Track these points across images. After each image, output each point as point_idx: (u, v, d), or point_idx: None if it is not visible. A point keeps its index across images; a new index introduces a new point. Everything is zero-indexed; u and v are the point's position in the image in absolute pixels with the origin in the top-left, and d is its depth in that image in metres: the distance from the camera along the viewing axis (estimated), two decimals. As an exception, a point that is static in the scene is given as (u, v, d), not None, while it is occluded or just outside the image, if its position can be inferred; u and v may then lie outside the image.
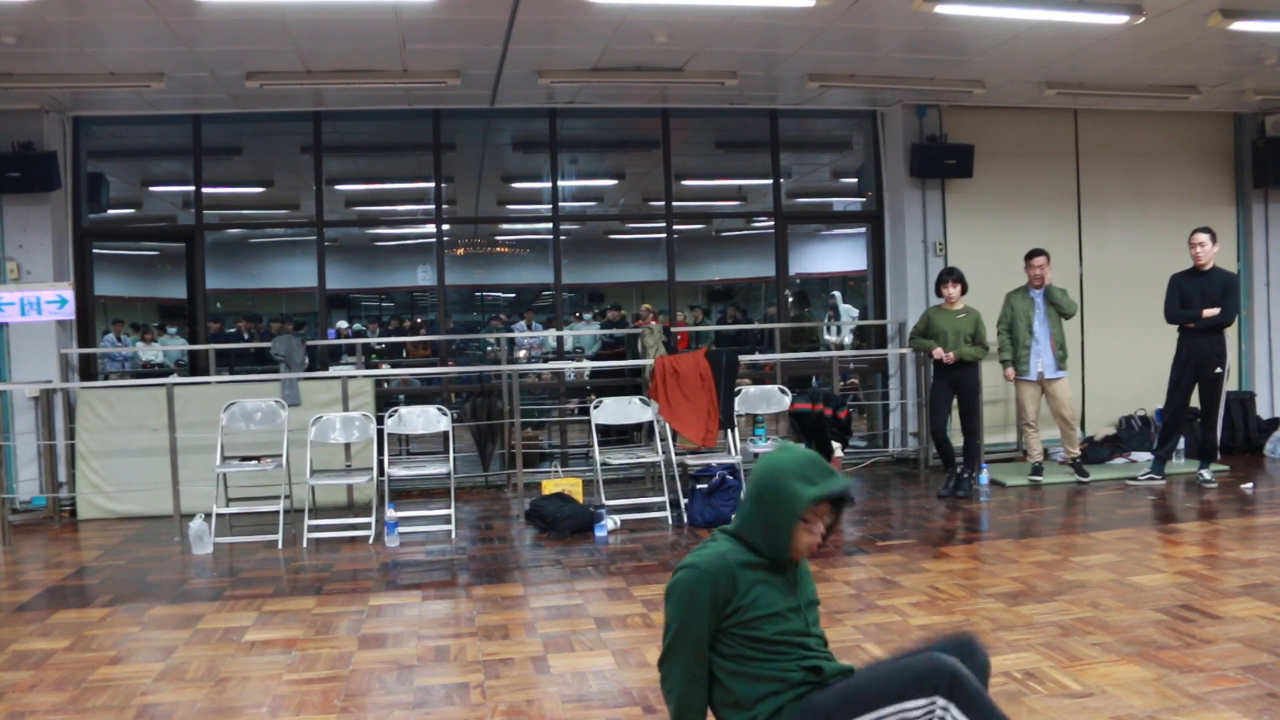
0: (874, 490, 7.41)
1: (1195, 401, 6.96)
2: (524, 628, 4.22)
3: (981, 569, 4.97)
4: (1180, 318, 6.84)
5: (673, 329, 8.67)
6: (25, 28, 5.79)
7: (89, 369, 7.95)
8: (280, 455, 6.24)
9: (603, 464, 6.50)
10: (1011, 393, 7.58)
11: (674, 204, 8.95)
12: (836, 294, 12.36)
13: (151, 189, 10.57)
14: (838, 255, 14.22)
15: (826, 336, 11.41)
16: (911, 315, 8.23)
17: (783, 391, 7.08)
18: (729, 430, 6.82)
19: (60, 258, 7.50)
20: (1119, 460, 7.93)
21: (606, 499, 6.41)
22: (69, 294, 7.20)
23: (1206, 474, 6.97)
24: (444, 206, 8.83)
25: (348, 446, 6.80)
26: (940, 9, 5.91)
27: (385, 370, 10.27)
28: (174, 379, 7.16)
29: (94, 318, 8.15)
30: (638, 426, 7.57)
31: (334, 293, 12.78)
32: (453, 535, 6.13)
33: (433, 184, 8.48)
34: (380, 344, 12.53)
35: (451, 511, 6.25)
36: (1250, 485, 6.86)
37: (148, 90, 6.92)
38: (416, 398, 9.28)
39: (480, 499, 7.47)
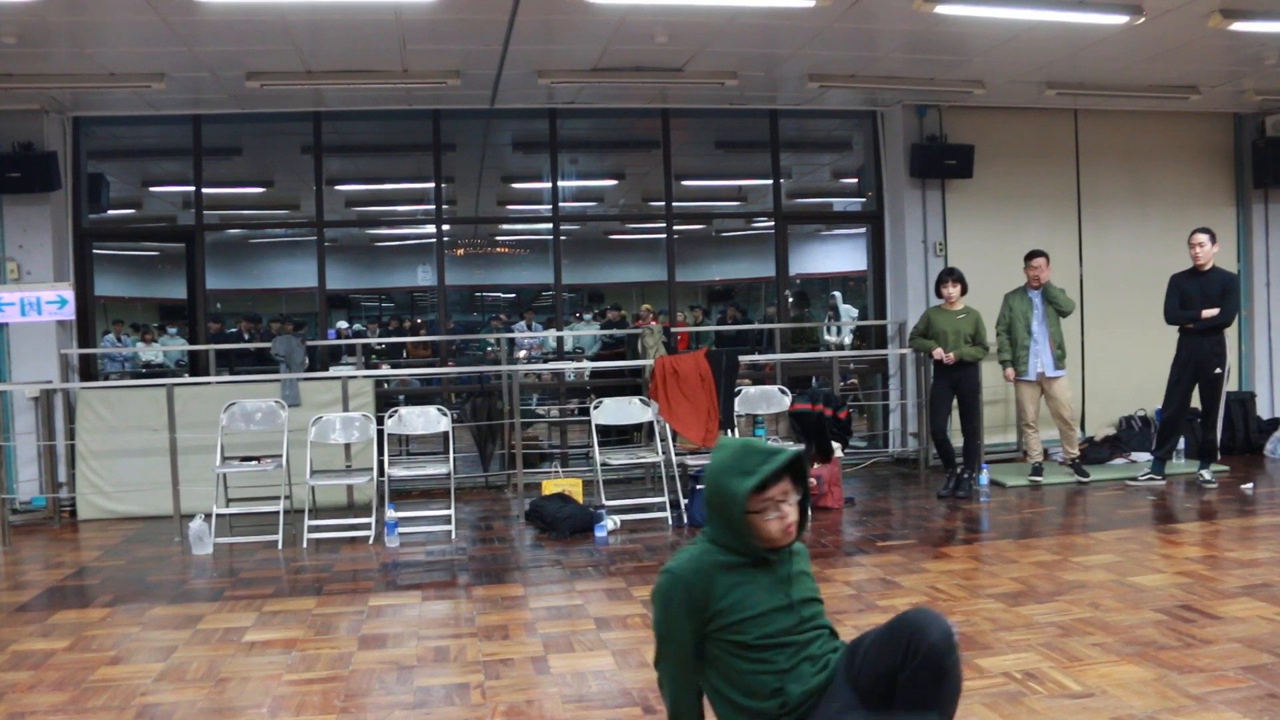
0: (874, 490, 7.41)
1: (1196, 402, 6.97)
2: (524, 628, 4.22)
3: (981, 569, 4.97)
4: (1180, 318, 6.84)
5: (673, 329, 8.67)
6: (25, 28, 5.79)
7: (89, 369, 7.95)
8: (280, 455, 6.24)
9: (603, 464, 6.50)
10: (1011, 393, 7.58)
11: (674, 204, 8.95)
12: (836, 294, 12.36)
13: (152, 189, 10.57)
14: (838, 255, 14.22)
15: (826, 337, 11.41)
16: (911, 315, 8.23)
17: (783, 392, 7.08)
18: (729, 430, 6.82)
19: (60, 258, 7.50)
20: (1119, 461, 7.93)
21: (606, 499, 6.41)
22: (69, 294, 7.21)
23: (1206, 474, 6.97)
24: (444, 207, 8.83)
25: (348, 447, 6.80)
26: (940, 9, 5.91)
27: (385, 371, 10.28)
28: (174, 379, 7.16)
29: (94, 318, 8.15)
30: (638, 427, 7.57)
31: (334, 293, 12.78)
32: (453, 536, 6.13)
33: (433, 184, 8.48)
34: (380, 344, 12.53)
35: (451, 512, 6.25)
36: (1250, 485, 6.86)
37: (148, 90, 6.92)
38: (416, 398, 9.28)
39: (480, 499, 7.47)
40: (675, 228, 9.08)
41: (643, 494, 6.99)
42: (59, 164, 7.31)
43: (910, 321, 8.09)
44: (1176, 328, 6.92)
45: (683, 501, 6.45)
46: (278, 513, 6.11)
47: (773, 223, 9.05)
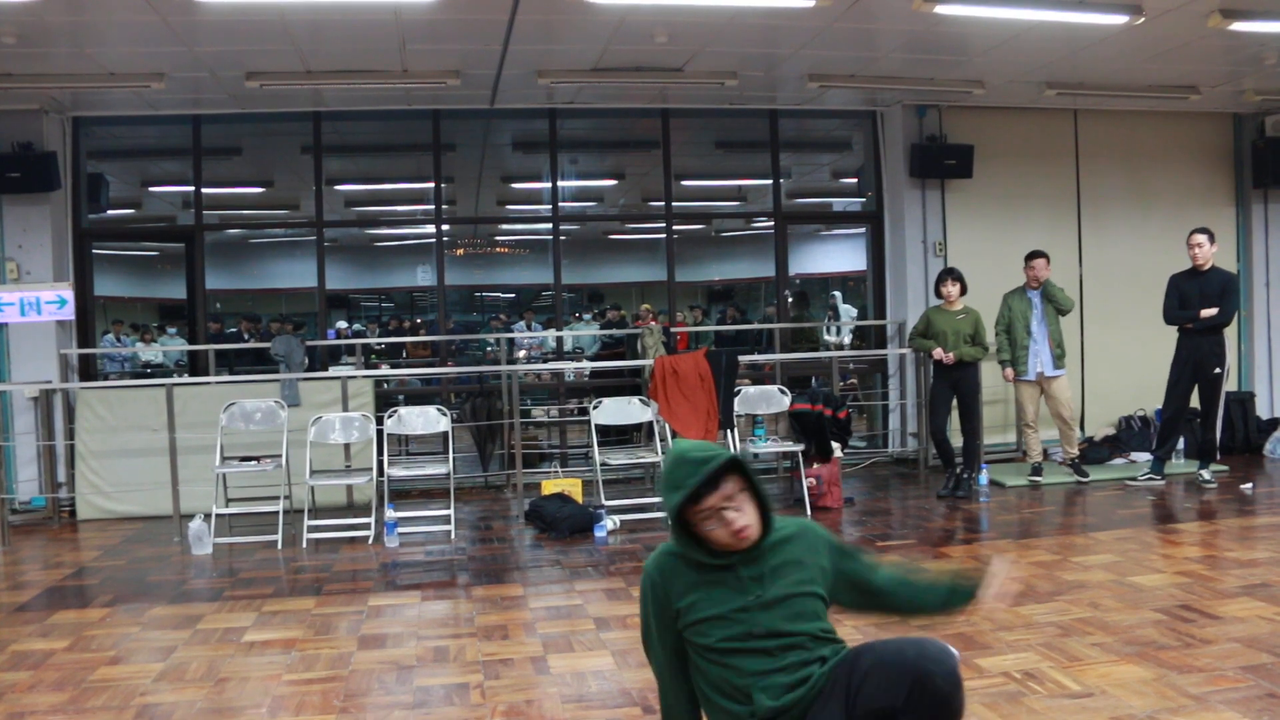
0: (874, 490, 7.41)
1: (1195, 402, 6.97)
2: (523, 628, 4.22)
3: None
4: (1179, 318, 6.84)
5: (672, 329, 8.67)
6: (25, 28, 5.79)
7: (89, 369, 7.95)
8: (280, 455, 6.24)
9: (602, 464, 6.50)
10: (1011, 393, 7.58)
11: (674, 204, 8.95)
12: (836, 294, 12.37)
13: (151, 189, 10.57)
14: (837, 255, 14.22)
15: (826, 337, 11.40)
16: (911, 315, 8.22)
17: (782, 392, 7.08)
18: (729, 431, 6.83)
19: (60, 258, 7.50)
20: (1118, 461, 7.93)
21: (606, 499, 6.40)
22: (69, 294, 7.21)
23: (1206, 474, 6.97)
24: (444, 207, 8.83)
25: (347, 447, 6.80)
26: (940, 9, 5.91)
27: (385, 371, 10.27)
28: (174, 379, 7.16)
29: (94, 318, 8.14)
30: (637, 427, 7.57)
31: (334, 293, 12.78)
32: (452, 536, 6.13)
33: (432, 184, 8.48)
34: (380, 344, 12.53)
35: (451, 512, 6.24)
36: (1250, 485, 6.86)
37: (147, 90, 6.92)
38: (416, 398, 9.28)
39: (480, 499, 7.46)
40: (675, 228, 9.08)
41: (642, 494, 6.99)
42: (58, 164, 7.30)
43: (910, 321, 8.09)
44: (1176, 328, 6.92)
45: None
46: (277, 513, 6.11)
47: (772, 223, 9.05)
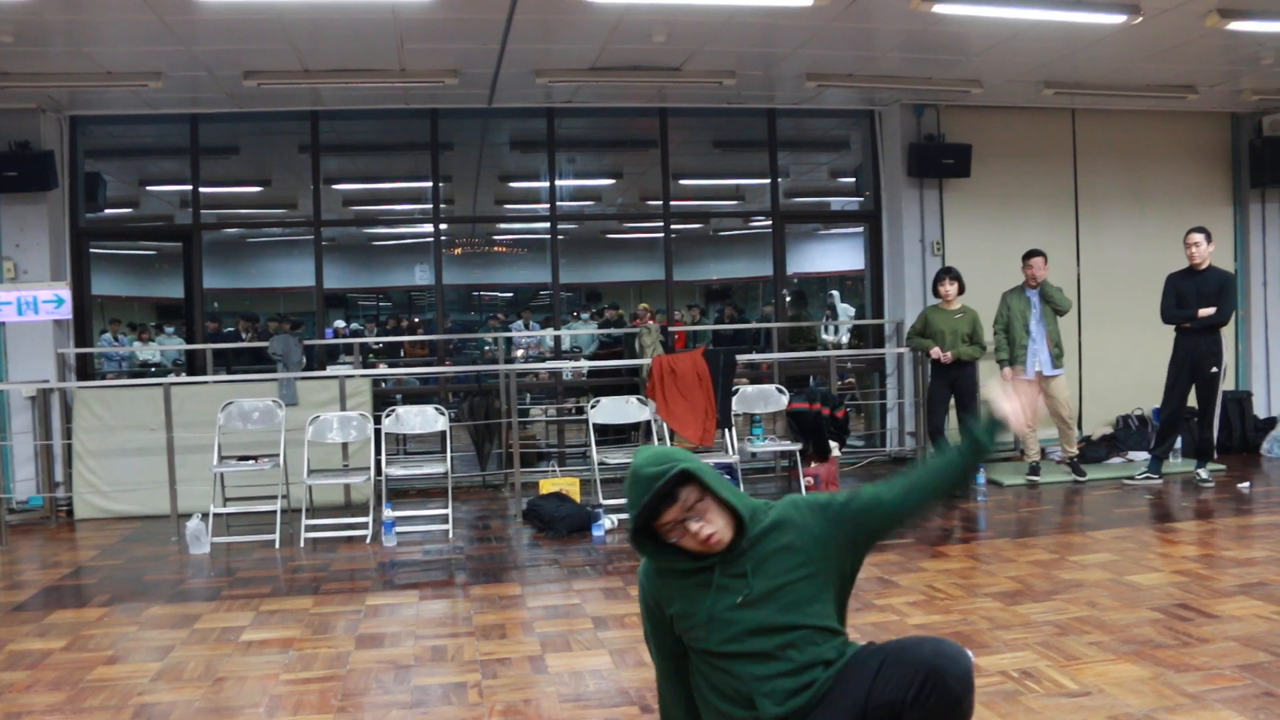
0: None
1: (1193, 401, 6.97)
2: (521, 627, 4.22)
3: (979, 568, 4.97)
4: (1176, 318, 6.85)
5: (670, 328, 8.68)
6: (22, 27, 5.78)
7: (86, 368, 7.95)
8: (277, 455, 6.24)
9: (600, 463, 6.50)
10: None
11: (672, 203, 8.95)
12: (834, 293, 12.36)
13: (149, 188, 10.56)
14: (835, 255, 14.22)
15: (824, 336, 11.40)
16: (909, 315, 8.23)
17: (780, 391, 7.08)
18: (726, 430, 6.83)
19: (57, 257, 7.50)
20: (1116, 460, 7.94)
21: (604, 498, 6.40)
22: (66, 293, 7.17)
23: (1203, 473, 6.97)
24: (441, 206, 8.82)
25: (345, 446, 6.80)
26: (938, 8, 5.91)
27: (383, 370, 10.27)
28: (171, 378, 7.15)
29: (91, 317, 8.14)
30: (635, 426, 7.56)
31: (331, 292, 12.76)
32: (450, 535, 6.12)
33: (430, 183, 8.47)
34: (378, 343, 12.52)
35: (449, 511, 6.24)
36: (1247, 484, 6.87)
37: (145, 89, 6.91)
38: (414, 397, 9.28)
39: (478, 498, 7.46)
40: (673, 227, 9.08)
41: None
42: (56, 163, 7.30)
43: (908, 321, 8.09)
44: (1173, 327, 6.93)
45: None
46: (275, 512, 6.10)
47: (770, 222, 9.05)
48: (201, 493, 6.36)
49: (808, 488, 6.63)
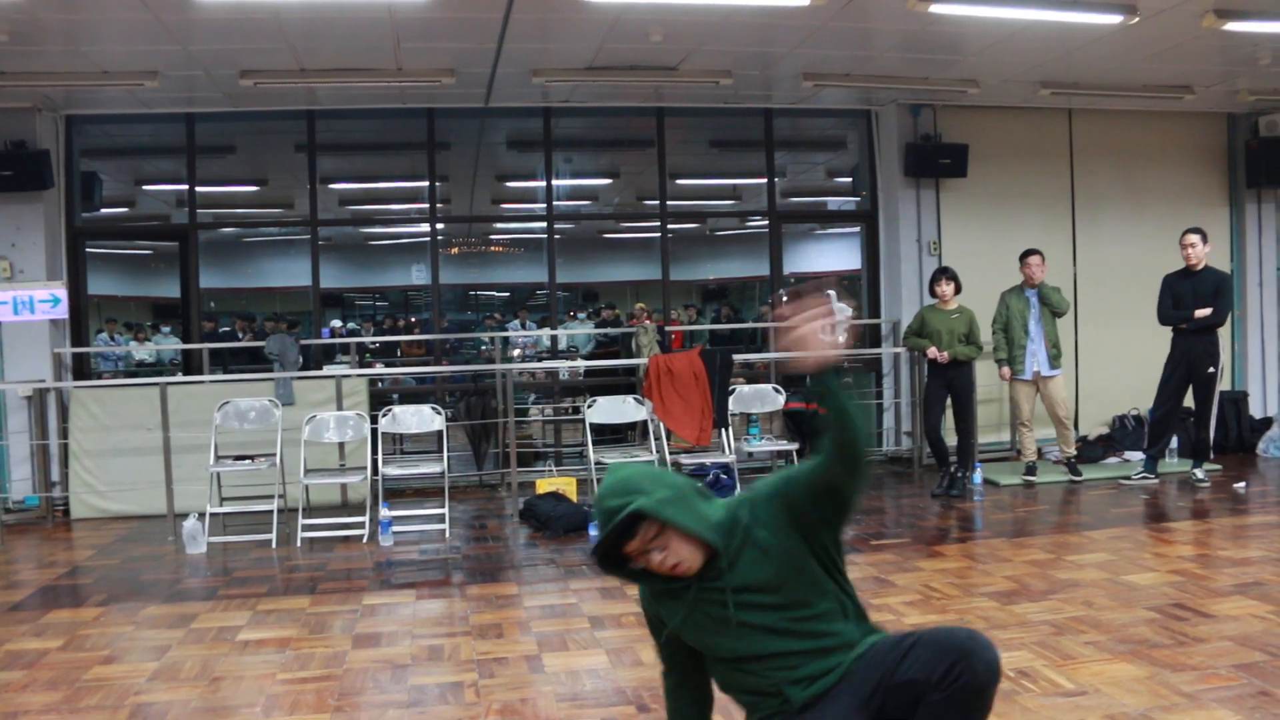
0: (868, 489, 7.42)
1: (1189, 401, 6.99)
2: (518, 627, 4.22)
3: (975, 568, 4.98)
4: (1173, 319, 6.86)
5: (667, 328, 8.67)
6: (18, 25, 5.77)
7: (82, 368, 7.93)
8: (274, 454, 6.23)
9: (597, 463, 6.50)
10: (1006, 392, 7.59)
11: (668, 203, 8.94)
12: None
13: (145, 188, 10.54)
14: (832, 254, 14.22)
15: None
16: (905, 314, 8.23)
17: (777, 390, 7.08)
18: (723, 429, 6.83)
19: (53, 256, 7.48)
20: (1112, 459, 7.95)
21: (601, 498, 6.39)
22: (62, 293, 7.17)
23: (1199, 473, 6.99)
24: (438, 205, 8.82)
25: (341, 446, 6.80)
26: (935, 8, 5.91)
27: (379, 369, 10.26)
28: (168, 378, 7.14)
29: (87, 317, 8.13)
30: (632, 426, 7.56)
31: (328, 292, 12.76)
32: (447, 534, 6.12)
33: (427, 183, 8.46)
34: (374, 343, 12.52)
35: (445, 511, 6.24)
36: (1243, 484, 6.88)
37: (141, 89, 6.90)
38: (410, 397, 9.27)
39: (474, 498, 7.46)
40: (670, 226, 9.09)
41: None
42: (52, 162, 7.28)
43: (904, 320, 8.09)
44: (1170, 327, 6.94)
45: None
46: (271, 512, 6.10)
47: (767, 221, 9.05)
48: (198, 492, 6.36)
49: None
